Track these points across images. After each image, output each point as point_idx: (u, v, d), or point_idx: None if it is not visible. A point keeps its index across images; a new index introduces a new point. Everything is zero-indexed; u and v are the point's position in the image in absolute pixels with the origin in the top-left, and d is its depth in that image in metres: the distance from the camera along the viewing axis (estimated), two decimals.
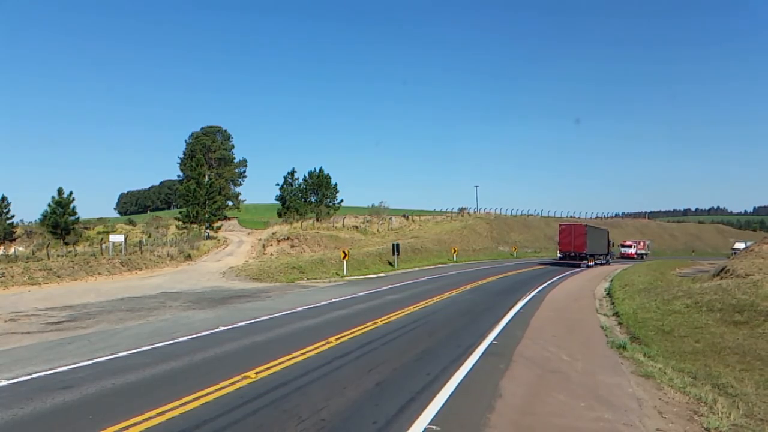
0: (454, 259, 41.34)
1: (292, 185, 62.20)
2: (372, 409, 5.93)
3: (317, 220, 54.26)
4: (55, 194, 44.95)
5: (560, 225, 41.99)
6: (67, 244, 39.64)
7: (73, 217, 45.66)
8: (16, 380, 7.09)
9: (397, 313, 13.54)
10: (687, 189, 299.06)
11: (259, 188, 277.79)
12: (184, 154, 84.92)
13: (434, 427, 5.42)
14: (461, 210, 74.02)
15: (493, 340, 10.24)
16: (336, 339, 9.90)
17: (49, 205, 44.77)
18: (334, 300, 16.53)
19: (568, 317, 13.97)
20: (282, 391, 6.52)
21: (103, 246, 31.25)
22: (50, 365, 7.94)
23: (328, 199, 62.75)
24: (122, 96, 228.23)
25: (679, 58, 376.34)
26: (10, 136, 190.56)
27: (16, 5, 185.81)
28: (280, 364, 7.92)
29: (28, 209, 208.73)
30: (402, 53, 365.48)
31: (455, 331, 11.11)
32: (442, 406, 6.06)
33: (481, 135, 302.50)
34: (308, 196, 61.97)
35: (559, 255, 43.49)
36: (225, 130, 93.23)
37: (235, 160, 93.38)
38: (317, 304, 15.38)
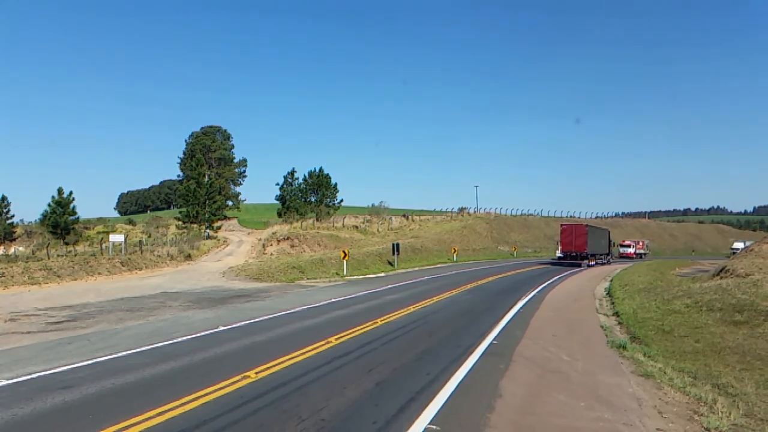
0: (454, 258, 41.35)
1: (292, 185, 62.17)
2: (372, 409, 5.93)
3: (317, 220, 54.24)
4: (55, 194, 44.94)
5: (561, 225, 42.10)
6: (67, 244, 39.64)
7: (73, 217, 45.63)
8: (16, 380, 7.09)
9: (397, 313, 13.54)
10: (687, 189, 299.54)
11: (259, 188, 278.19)
12: (184, 154, 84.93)
13: (434, 427, 5.42)
14: (461, 210, 74.02)
15: (493, 340, 10.24)
16: (336, 339, 9.90)
17: (49, 205, 44.75)
18: (334, 300, 16.53)
19: (568, 317, 13.97)
20: (282, 391, 6.52)
21: (103, 246, 31.25)
22: (50, 365, 7.94)
23: (328, 199, 62.72)
24: (122, 96, 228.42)
25: (679, 58, 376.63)
26: (10, 136, 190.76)
27: (16, 5, 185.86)
28: (280, 364, 7.92)
29: (28, 209, 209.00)
30: (402, 53, 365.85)
31: (455, 331, 11.11)
32: (442, 406, 6.06)
33: (481, 135, 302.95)
34: (308, 196, 61.95)
35: (558, 255, 43.53)
36: (225, 130, 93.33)
37: (235, 160, 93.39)
38: (317, 304, 15.38)
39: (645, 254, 60.48)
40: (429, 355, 8.81)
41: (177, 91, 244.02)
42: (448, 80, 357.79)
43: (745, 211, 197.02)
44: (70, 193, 45.50)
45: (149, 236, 48.55)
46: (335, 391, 6.55)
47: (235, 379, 7.03)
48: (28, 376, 7.28)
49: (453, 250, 42.99)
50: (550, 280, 25.21)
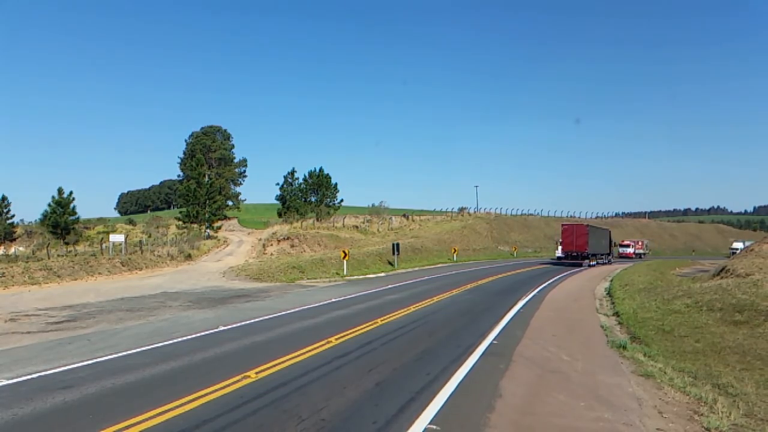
0: (454, 258, 41.35)
1: (292, 185, 62.19)
2: (372, 409, 5.93)
3: (317, 219, 54.25)
4: (55, 194, 44.95)
5: (562, 225, 42.21)
6: (67, 243, 39.64)
7: (73, 217, 45.63)
8: (16, 380, 7.09)
9: (397, 313, 13.54)
10: (687, 189, 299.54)
11: (259, 188, 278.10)
12: (184, 154, 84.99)
13: (434, 426, 5.42)
14: (461, 210, 74.00)
15: (493, 340, 10.24)
16: (336, 339, 9.90)
17: (49, 205, 44.76)
18: (334, 300, 16.53)
19: (568, 317, 13.97)
20: (282, 391, 6.52)
21: (103, 246, 31.26)
22: (50, 365, 7.94)
23: (328, 199, 62.73)
24: (122, 96, 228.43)
25: (679, 58, 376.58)
26: (10, 136, 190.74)
27: (16, 5, 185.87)
28: (280, 364, 7.92)
29: (28, 209, 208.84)
30: (402, 53, 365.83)
31: (455, 331, 11.11)
32: (442, 406, 6.06)
33: (481, 135, 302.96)
34: (308, 195, 61.95)
35: (557, 255, 43.58)
36: (225, 130, 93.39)
37: (235, 160, 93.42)
38: (317, 304, 15.38)
39: (644, 254, 60.48)
40: (429, 355, 8.81)
41: (177, 91, 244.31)
42: (448, 80, 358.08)
43: (745, 211, 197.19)
44: (70, 193, 45.56)
45: (149, 236, 48.54)
46: (335, 391, 6.55)
47: (235, 379, 7.03)
48: (29, 376, 7.28)
49: (453, 250, 42.99)
50: (550, 280, 25.21)
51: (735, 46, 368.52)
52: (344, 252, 28.56)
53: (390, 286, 21.28)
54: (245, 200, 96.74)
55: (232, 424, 5.38)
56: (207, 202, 53.89)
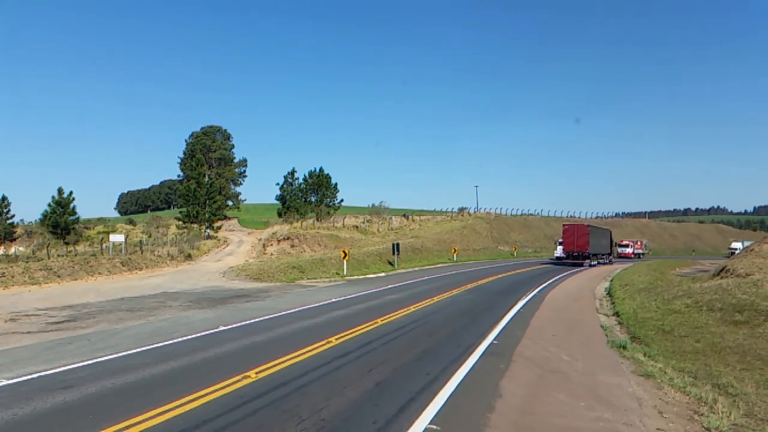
0: (454, 258, 41.35)
1: (292, 185, 62.18)
2: (372, 409, 5.93)
3: (317, 219, 54.24)
4: (55, 194, 44.93)
5: (564, 225, 42.41)
6: (67, 243, 39.64)
7: (73, 217, 45.62)
8: (16, 380, 7.09)
9: (397, 313, 13.54)
10: (687, 189, 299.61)
11: (259, 188, 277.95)
12: (184, 154, 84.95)
13: (434, 426, 5.42)
14: (461, 210, 73.98)
15: (493, 340, 10.24)
16: (336, 339, 9.90)
17: (49, 205, 44.75)
18: (334, 300, 16.53)
19: (568, 317, 13.97)
20: (282, 391, 6.52)
21: (104, 246, 31.26)
22: (50, 365, 7.94)
23: (328, 199, 62.72)
24: (122, 96, 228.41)
25: (678, 58, 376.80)
26: (10, 136, 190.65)
27: (16, 5, 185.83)
28: (280, 364, 7.92)
29: (28, 209, 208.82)
30: (402, 53, 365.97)
31: (455, 331, 11.11)
32: (442, 406, 6.06)
33: (481, 135, 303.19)
34: (308, 195, 61.94)
35: (556, 254, 43.71)
36: (225, 130, 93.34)
37: (235, 160, 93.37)
38: (317, 304, 15.38)
39: (643, 254, 60.47)
40: (429, 355, 8.81)
41: (177, 91, 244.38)
42: (448, 80, 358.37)
43: (745, 211, 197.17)
44: (70, 193, 45.55)
45: (149, 236, 48.53)
46: (335, 391, 6.55)
47: (235, 379, 7.03)
48: (29, 376, 7.28)
49: (453, 250, 42.98)
50: (550, 280, 25.21)
51: (735, 46, 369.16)
52: (344, 252, 28.56)
53: (390, 286, 21.28)
54: (245, 200, 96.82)
55: (232, 424, 5.38)
56: (207, 202, 53.88)
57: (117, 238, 31.82)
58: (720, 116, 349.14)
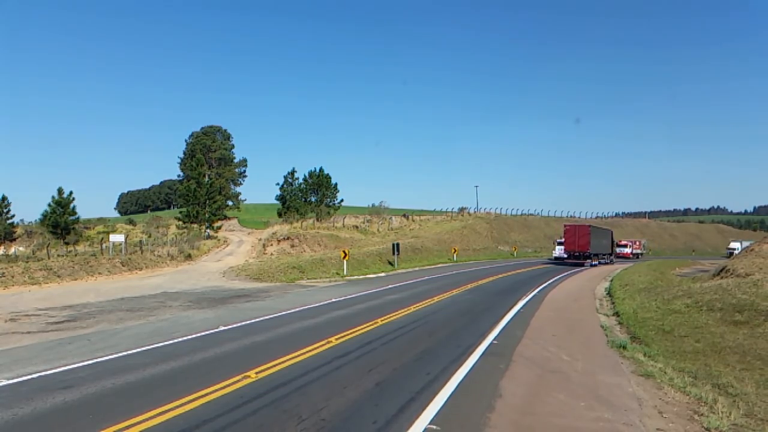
0: (454, 258, 41.35)
1: (292, 185, 62.15)
2: (372, 409, 5.93)
3: (317, 219, 54.23)
4: (55, 194, 44.92)
5: (565, 225, 42.70)
6: (67, 243, 39.64)
7: (73, 217, 45.61)
8: (16, 380, 7.09)
9: (397, 313, 13.54)
10: (687, 189, 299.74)
11: (259, 188, 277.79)
12: (184, 154, 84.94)
13: (434, 427, 5.42)
14: (461, 210, 73.95)
15: (493, 340, 10.24)
16: (336, 339, 9.90)
17: (49, 205, 44.73)
18: (334, 300, 16.53)
19: (568, 317, 13.97)
20: (282, 391, 6.52)
21: (104, 246, 31.26)
22: (50, 365, 7.94)
23: (328, 199, 62.70)
24: (122, 96, 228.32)
25: (678, 58, 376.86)
26: (10, 136, 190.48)
27: (16, 5, 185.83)
28: (280, 364, 7.92)
29: (28, 209, 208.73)
30: (402, 53, 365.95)
31: (455, 331, 11.11)
32: (443, 406, 6.06)
33: (481, 135, 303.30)
34: (308, 195, 61.92)
35: (554, 255, 43.85)
36: (225, 130, 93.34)
37: (235, 160, 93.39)
38: (317, 304, 15.38)
39: (642, 254, 60.49)
40: (429, 355, 8.81)
41: (177, 91, 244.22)
42: (448, 80, 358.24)
43: (745, 211, 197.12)
44: (70, 193, 45.54)
45: (149, 236, 48.53)
46: (335, 391, 6.55)
47: (235, 379, 7.03)
48: (29, 376, 7.28)
49: (453, 250, 42.98)
50: (551, 280, 25.21)
51: (735, 46, 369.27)
52: (344, 252, 28.56)
53: (390, 286, 21.28)
54: (245, 200, 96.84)
55: (232, 424, 5.38)
56: (207, 202, 53.87)
57: (117, 238, 31.81)
58: (720, 116, 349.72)
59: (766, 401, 6.79)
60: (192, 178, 57.77)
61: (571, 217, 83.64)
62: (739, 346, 10.15)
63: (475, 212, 73.72)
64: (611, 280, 24.99)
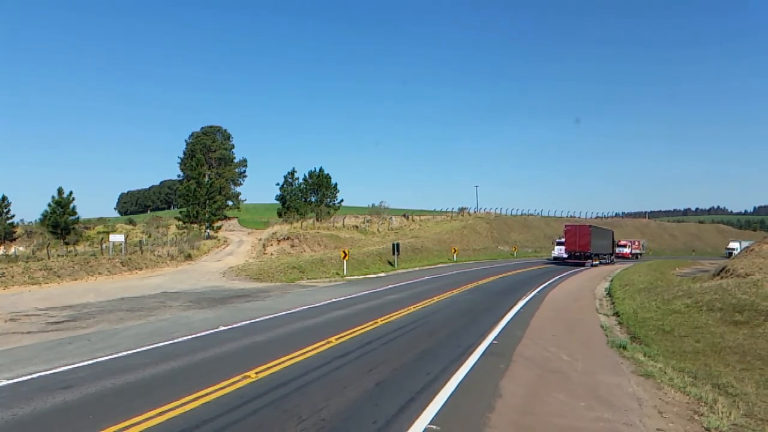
0: (454, 258, 41.34)
1: (292, 185, 62.15)
2: (372, 409, 5.93)
3: (317, 219, 54.23)
4: (55, 194, 44.91)
5: (566, 225, 42.86)
6: (67, 243, 39.64)
7: (73, 217, 45.60)
8: (16, 380, 7.09)
9: (397, 313, 13.54)
10: (687, 189, 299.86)
11: (259, 188, 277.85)
12: (184, 154, 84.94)
13: (434, 427, 5.42)
14: (461, 210, 73.94)
15: (493, 340, 10.24)
16: (336, 339, 9.90)
17: (49, 205, 44.73)
18: (334, 300, 16.53)
19: (568, 317, 13.97)
20: (282, 391, 6.52)
21: (104, 246, 31.26)
22: (50, 365, 7.94)
23: (328, 199, 62.70)
24: (122, 96, 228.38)
25: (679, 58, 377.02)
26: (10, 136, 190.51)
27: (16, 5, 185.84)
28: (280, 364, 7.92)
29: (28, 209, 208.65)
30: (402, 53, 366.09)
31: (455, 331, 11.11)
32: (443, 406, 6.06)
33: (481, 135, 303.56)
34: (308, 196, 61.91)
35: (553, 254, 43.92)
36: (225, 130, 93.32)
37: (235, 160, 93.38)
38: (317, 304, 15.38)
39: (640, 254, 60.49)
40: (429, 355, 8.81)
41: (177, 91, 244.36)
42: (448, 80, 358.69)
43: (745, 211, 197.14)
44: (70, 193, 45.53)
45: (149, 236, 48.53)
46: (335, 391, 6.55)
47: (235, 379, 7.03)
48: (29, 376, 7.28)
49: (453, 250, 42.98)
50: (551, 280, 25.21)
51: (735, 46, 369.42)
52: (344, 252, 28.55)
53: (390, 286, 21.28)
54: (245, 200, 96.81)
55: (232, 424, 5.38)
56: (207, 202, 53.87)
57: (117, 238, 31.81)
58: (720, 116, 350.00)
59: (766, 401, 6.79)
60: (192, 178, 57.76)
61: (571, 217, 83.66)
62: (739, 346, 10.15)
63: (475, 212, 73.72)
64: (611, 280, 24.99)
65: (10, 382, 7.01)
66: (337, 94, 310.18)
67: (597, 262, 40.51)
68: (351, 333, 10.56)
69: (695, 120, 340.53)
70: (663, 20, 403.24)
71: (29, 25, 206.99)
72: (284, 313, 13.63)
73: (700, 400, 6.65)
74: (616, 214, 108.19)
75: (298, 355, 8.49)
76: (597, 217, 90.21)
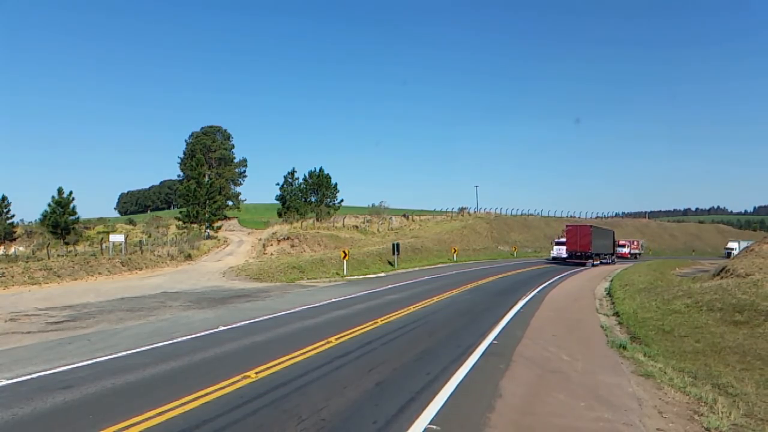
0: (454, 258, 41.34)
1: (292, 185, 62.14)
2: (372, 409, 5.93)
3: (317, 219, 54.22)
4: (55, 194, 44.88)
5: (567, 225, 43.04)
6: (67, 243, 39.63)
7: (73, 217, 45.58)
8: (16, 380, 7.08)
9: (397, 313, 13.54)
10: (687, 189, 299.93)
11: (259, 188, 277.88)
12: (184, 154, 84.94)
13: (434, 427, 5.42)
14: (461, 210, 73.93)
15: (493, 340, 10.24)
16: (336, 339, 9.89)
17: (49, 205, 44.71)
18: (334, 300, 16.53)
19: (568, 317, 13.96)
20: (282, 391, 6.52)
21: (104, 246, 31.25)
22: (50, 365, 7.94)
23: (328, 199, 62.69)
24: (122, 96, 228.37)
25: (679, 58, 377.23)
26: (10, 136, 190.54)
27: (16, 5, 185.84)
28: (280, 364, 7.92)
29: (28, 209, 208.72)
30: (402, 53, 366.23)
31: (455, 331, 11.11)
32: (443, 406, 6.06)
33: (481, 135, 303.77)
34: (308, 195, 61.91)
35: (552, 255, 43.96)
36: (225, 130, 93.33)
37: (235, 160, 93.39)
38: (317, 304, 15.38)
39: (640, 254, 60.52)
40: (429, 355, 8.81)
41: (177, 91, 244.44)
42: (448, 80, 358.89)
43: (745, 211, 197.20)
44: (70, 193, 45.51)
45: (149, 236, 48.53)
46: (335, 391, 6.55)
47: (235, 379, 7.03)
48: (29, 376, 7.28)
49: (453, 250, 42.97)
50: (551, 280, 25.21)
51: (735, 46, 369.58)
52: (344, 252, 28.55)
53: (390, 286, 21.28)
54: (245, 200, 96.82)
55: (232, 424, 5.38)
56: (207, 202, 53.86)
57: (117, 238, 31.80)
58: (720, 116, 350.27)
59: (766, 401, 6.79)
60: (192, 178, 57.75)
61: (571, 217, 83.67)
62: (739, 346, 10.15)
63: (475, 212, 73.71)
64: (611, 280, 24.99)
65: (10, 382, 7.01)
66: (337, 94, 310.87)
67: (598, 262, 40.63)
68: (351, 333, 10.56)
69: (695, 120, 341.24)
70: (663, 20, 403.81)
71: (29, 25, 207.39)
72: (284, 313, 13.63)
73: (700, 400, 6.65)
74: (616, 214, 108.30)
75: (298, 355, 8.49)
76: (597, 217, 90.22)
